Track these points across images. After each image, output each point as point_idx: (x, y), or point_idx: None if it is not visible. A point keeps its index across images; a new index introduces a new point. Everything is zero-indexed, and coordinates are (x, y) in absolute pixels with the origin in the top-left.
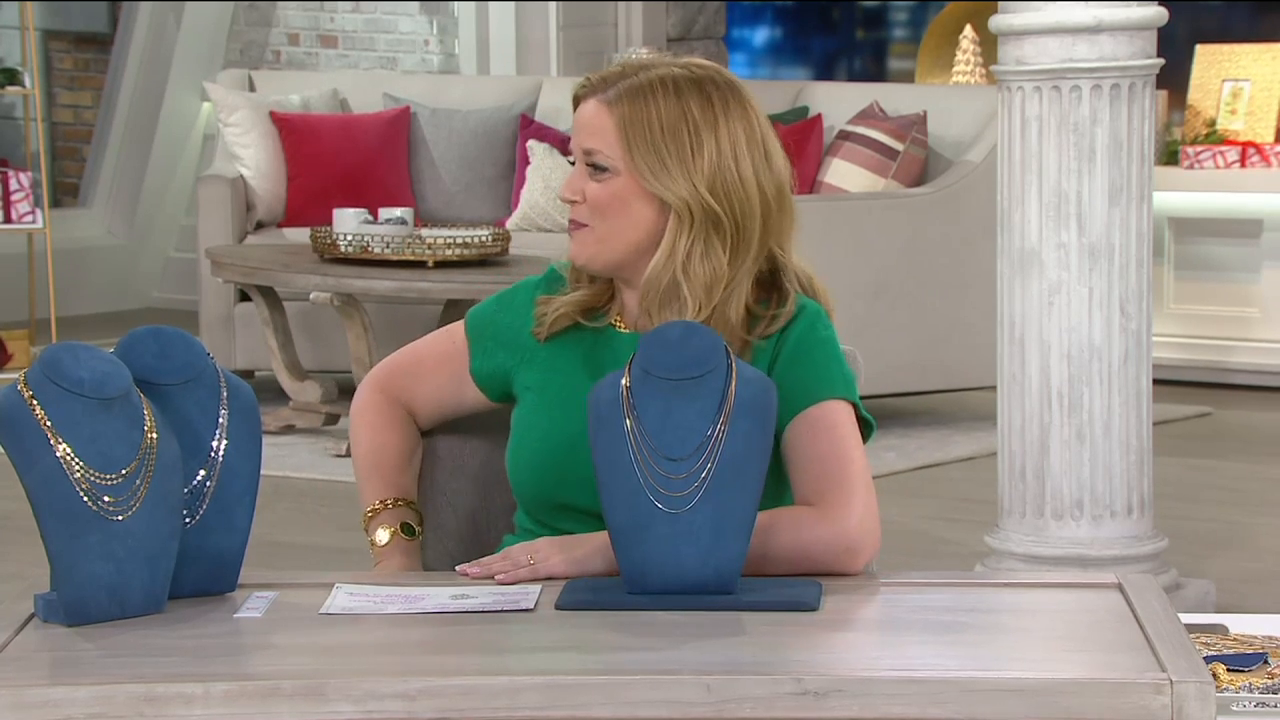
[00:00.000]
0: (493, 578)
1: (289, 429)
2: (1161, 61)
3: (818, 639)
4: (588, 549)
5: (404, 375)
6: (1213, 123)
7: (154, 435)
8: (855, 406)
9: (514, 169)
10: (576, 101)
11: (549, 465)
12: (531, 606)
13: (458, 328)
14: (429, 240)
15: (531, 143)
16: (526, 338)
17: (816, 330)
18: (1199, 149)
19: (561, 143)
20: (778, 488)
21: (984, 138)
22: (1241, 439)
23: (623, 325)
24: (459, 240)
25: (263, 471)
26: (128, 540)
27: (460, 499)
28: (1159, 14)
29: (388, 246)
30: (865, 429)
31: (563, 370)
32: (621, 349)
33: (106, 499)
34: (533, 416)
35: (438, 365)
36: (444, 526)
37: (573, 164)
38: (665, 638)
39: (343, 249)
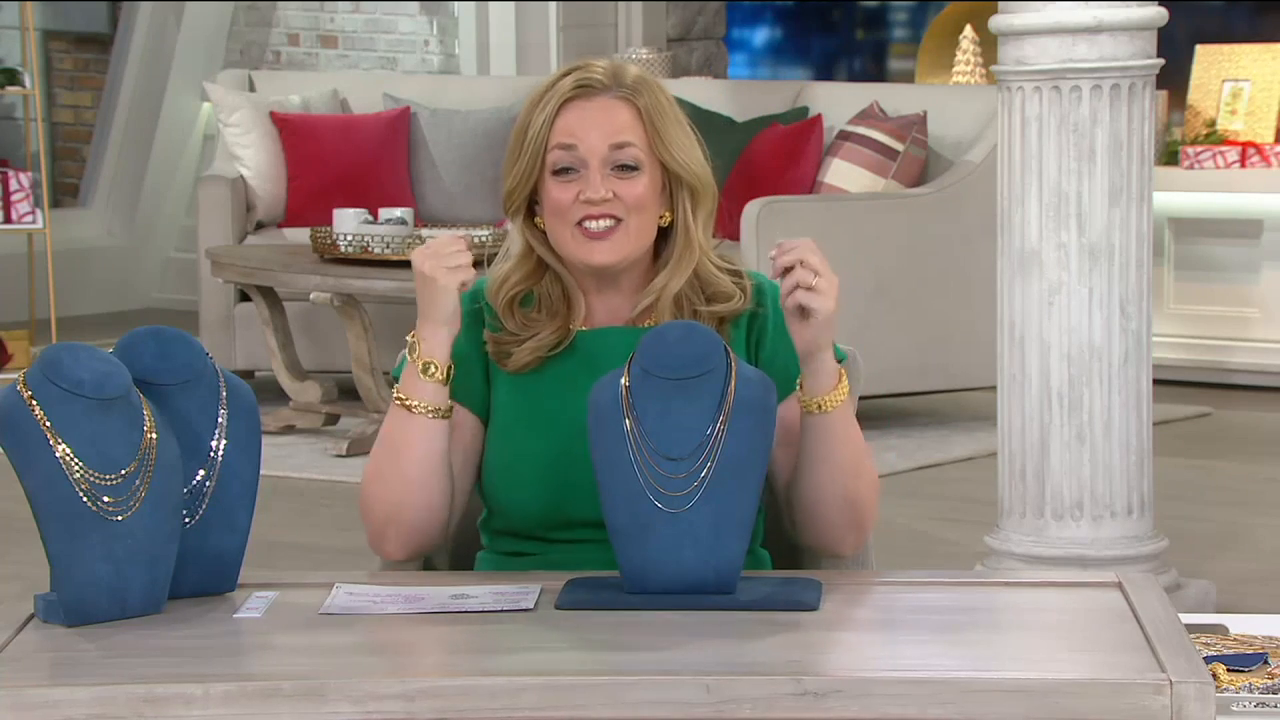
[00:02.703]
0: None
1: (289, 429)
2: (1161, 61)
3: (818, 639)
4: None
5: None
6: (1213, 123)
7: (154, 435)
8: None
9: None
10: (560, 106)
11: (553, 485)
12: (531, 606)
13: None
14: (429, 240)
15: None
16: (481, 354)
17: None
18: (1199, 149)
19: None
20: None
21: (984, 138)
22: (1241, 439)
23: (588, 325)
24: None
25: (263, 471)
26: (128, 540)
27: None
28: (1159, 14)
29: (388, 246)
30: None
31: (541, 386)
32: (598, 347)
33: (106, 499)
34: (519, 440)
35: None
36: None
37: (567, 170)
38: (665, 638)
39: (343, 249)
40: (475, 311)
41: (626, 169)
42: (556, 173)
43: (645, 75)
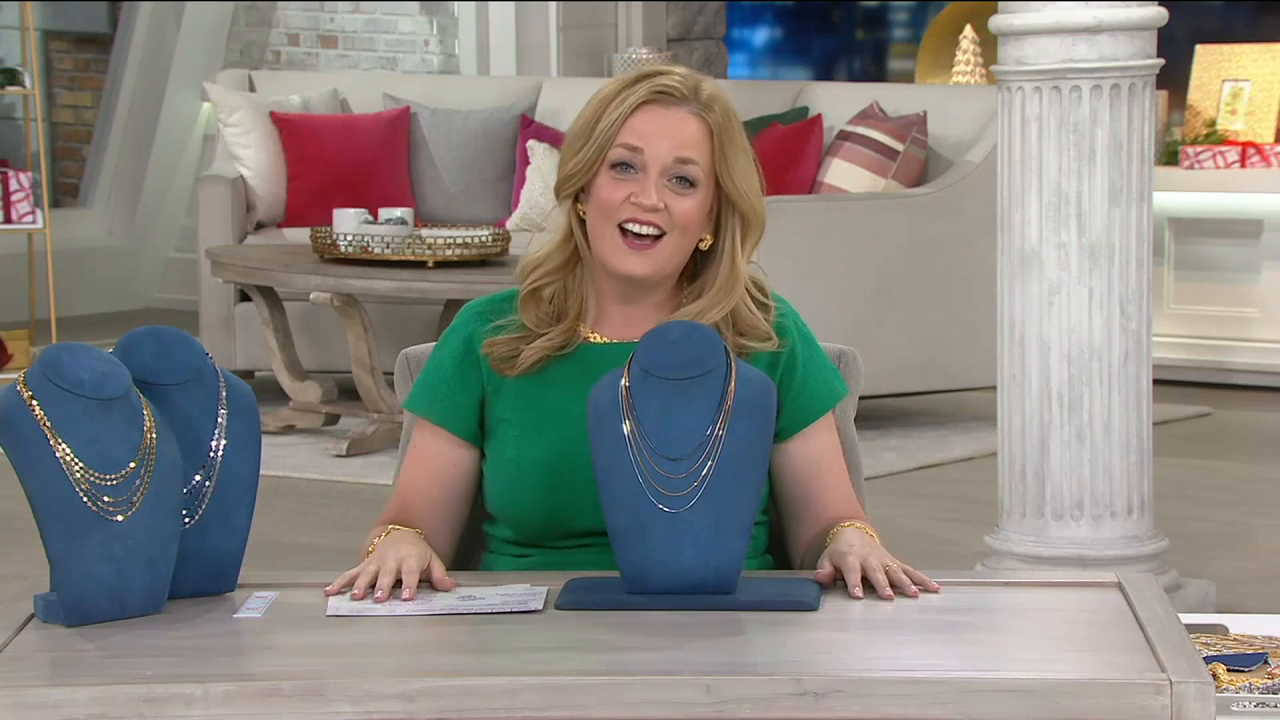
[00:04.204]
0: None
1: (289, 429)
2: (1161, 61)
3: (818, 639)
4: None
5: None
6: (1213, 123)
7: (154, 435)
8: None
9: (514, 169)
10: (638, 106)
11: (555, 494)
12: (540, 608)
13: (414, 431)
14: (429, 240)
15: (531, 143)
16: (480, 375)
17: (805, 331)
18: (1199, 149)
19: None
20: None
21: (984, 138)
22: (1241, 439)
23: (600, 337)
24: (459, 240)
25: (263, 471)
26: (127, 541)
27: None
28: (1159, 14)
29: (388, 246)
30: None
31: (542, 397)
32: (603, 361)
33: (106, 499)
34: (525, 450)
35: (431, 471)
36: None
37: (625, 167)
38: (665, 638)
39: (343, 249)
40: (467, 339)
41: (683, 184)
42: (614, 167)
43: (719, 93)
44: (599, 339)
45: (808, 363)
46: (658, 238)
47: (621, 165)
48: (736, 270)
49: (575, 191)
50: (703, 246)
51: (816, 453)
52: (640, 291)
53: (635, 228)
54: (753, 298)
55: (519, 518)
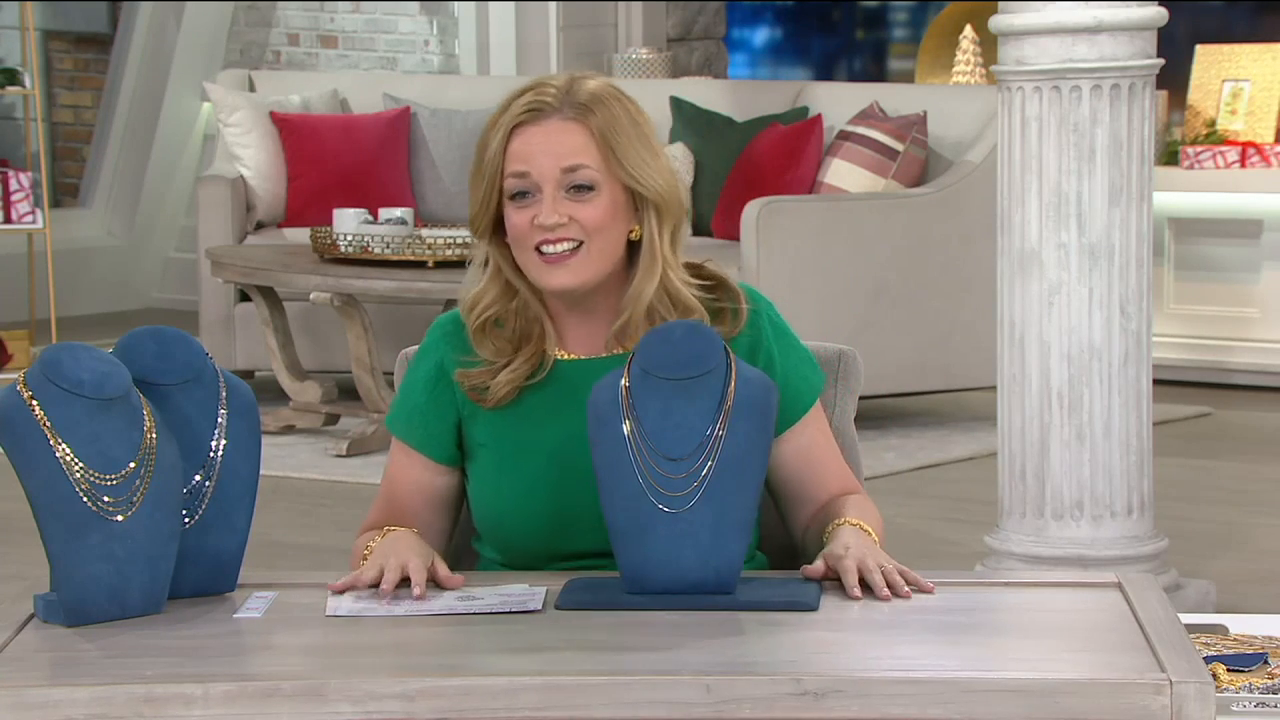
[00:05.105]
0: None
1: (289, 429)
2: (1161, 62)
3: (817, 639)
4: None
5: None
6: (1213, 123)
7: (154, 435)
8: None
9: None
10: (511, 131)
11: (546, 522)
12: (539, 608)
13: (394, 446)
14: (429, 240)
15: None
16: (455, 399)
17: (778, 323)
18: (1199, 149)
19: None
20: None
21: (984, 138)
22: (1241, 439)
23: (567, 354)
24: (459, 240)
25: (262, 471)
26: (127, 541)
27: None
28: (1159, 14)
29: (388, 246)
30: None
31: (520, 421)
32: (580, 377)
33: (106, 499)
34: (505, 476)
35: (412, 490)
36: None
37: (521, 194)
38: (665, 638)
39: (343, 249)
40: (439, 363)
41: (582, 190)
42: (513, 198)
43: (602, 91)
44: (568, 356)
45: (785, 359)
46: (576, 248)
47: (519, 194)
48: (655, 254)
49: (490, 226)
50: (634, 237)
51: (806, 445)
52: (582, 303)
53: (548, 248)
54: (699, 281)
55: (505, 542)
